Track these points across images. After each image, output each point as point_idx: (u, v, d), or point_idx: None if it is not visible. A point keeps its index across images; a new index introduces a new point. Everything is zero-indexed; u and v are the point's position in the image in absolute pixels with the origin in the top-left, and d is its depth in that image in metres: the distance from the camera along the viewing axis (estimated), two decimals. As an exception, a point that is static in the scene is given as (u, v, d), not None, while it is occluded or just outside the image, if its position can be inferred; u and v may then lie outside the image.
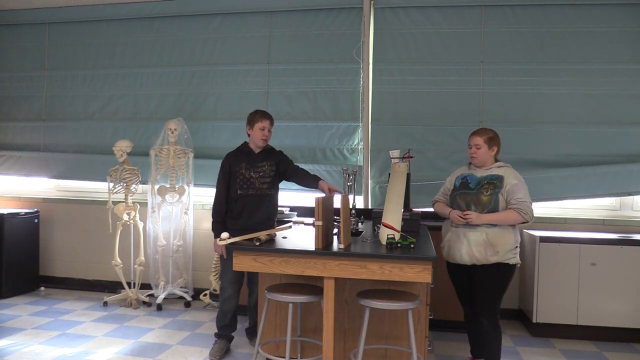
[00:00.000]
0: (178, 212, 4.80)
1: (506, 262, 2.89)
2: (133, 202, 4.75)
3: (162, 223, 4.77)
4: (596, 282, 3.89)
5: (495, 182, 2.93)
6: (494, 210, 2.89)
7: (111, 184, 4.67)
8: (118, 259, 4.68)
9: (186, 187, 4.76)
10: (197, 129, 4.97)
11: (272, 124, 3.49)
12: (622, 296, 3.86)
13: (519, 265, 2.99)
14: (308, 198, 4.76)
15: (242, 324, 3.84)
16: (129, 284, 4.77)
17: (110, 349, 3.56)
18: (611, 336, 3.90)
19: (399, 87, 4.64)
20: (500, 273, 2.90)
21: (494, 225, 2.88)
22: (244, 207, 3.41)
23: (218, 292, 4.26)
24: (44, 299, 4.91)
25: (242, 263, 2.67)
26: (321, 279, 2.60)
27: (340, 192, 3.13)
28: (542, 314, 3.95)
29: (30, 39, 5.50)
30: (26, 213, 5.11)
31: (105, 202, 4.95)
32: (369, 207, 4.64)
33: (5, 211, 4.93)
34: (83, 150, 5.31)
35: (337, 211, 2.89)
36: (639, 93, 4.31)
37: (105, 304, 4.67)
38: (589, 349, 3.75)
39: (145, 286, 4.92)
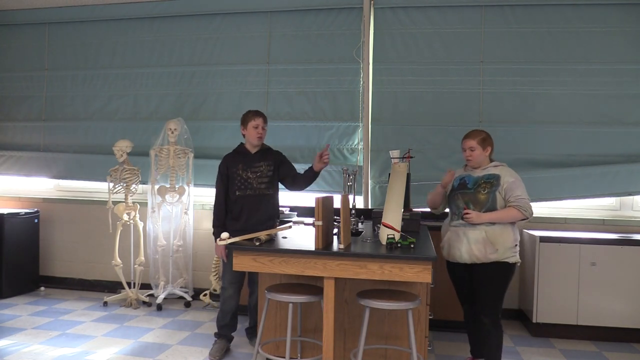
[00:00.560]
0: (178, 212, 4.80)
1: (506, 260, 2.89)
2: (133, 202, 4.75)
3: (162, 223, 4.77)
4: (596, 282, 3.89)
5: (492, 181, 2.95)
6: (492, 208, 2.90)
7: (111, 184, 4.67)
8: (118, 259, 4.68)
9: (186, 187, 4.76)
10: (197, 129, 4.97)
11: (265, 121, 3.48)
12: (622, 296, 3.86)
13: (519, 264, 2.99)
14: (308, 198, 4.76)
15: (242, 324, 3.84)
16: (129, 284, 4.77)
17: (110, 349, 3.56)
18: (611, 336, 3.90)
19: (399, 87, 4.64)
20: (500, 271, 2.90)
21: (493, 224, 2.89)
22: (243, 207, 3.42)
23: (218, 292, 4.27)
24: (44, 299, 4.91)
25: (242, 263, 2.67)
26: (321, 279, 2.60)
27: (328, 154, 3.22)
28: (542, 314, 3.95)
29: (30, 39, 5.50)
30: (26, 213, 5.11)
31: (105, 202, 4.95)
32: (369, 207, 4.64)
33: (5, 211, 4.93)
34: (83, 150, 5.31)
35: (337, 211, 2.90)
36: (639, 93, 4.31)
37: (105, 304, 4.67)
38: (589, 349, 3.75)
39: (145, 286, 4.92)
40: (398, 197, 2.82)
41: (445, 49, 4.58)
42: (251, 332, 3.70)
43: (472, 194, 2.97)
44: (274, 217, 3.54)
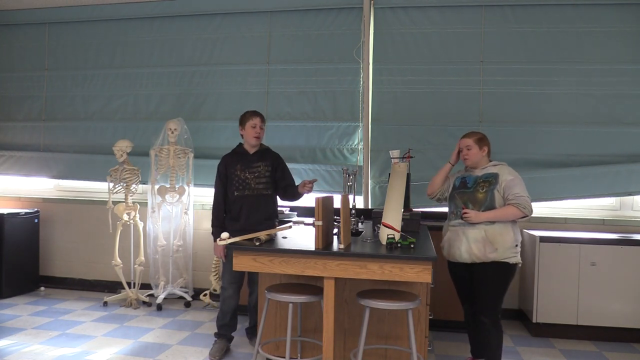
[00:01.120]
0: (178, 212, 4.80)
1: (506, 260, 2.89)
2: (133, 202, 4.75)
3: (162, 223, 4.77)
4: (596, 282, 3.89)
5: (491, 180, 2.95)
6: (491, 207, 2.90)
7: (111, 184, 4.67)
8: (118, 259, 4.68)
9: (186, 187, 4.76)
10: (197, 129, 4.97)
11: (263, 121, 3.49)
12: (622, 296, 3.86)
13: (519, 265, 2.99)
14: (308, 198, 4.74)
15: (242, 324, 3.84)
16: (129, 284, 4.77)
17: (110, 349, 3.56)
18: (611, 336, 3.90)
19: (399, 87, 4.64)
20: (500, 272, 2.90)
21: (493, 223, 2.88)
22: (241, 207, 3.42)
23: (218, 292, 4.27)
24: (44, 299, 4.91)
25: (242, 263, 2.67)
26: (321, 279, 2.60)
27: (311, 185, 3.31)
28: (542, 314, 3.95)
29: (30, 39, 5.50)
30: (26, 213, 5.11)
31: (105, 202, 4.95)
32: (369, 207, 4.64)
33: (5, 211, 4.93)
34: (83, 150, 5.31)
35: (337, 211, 2.90)
36: (639, 93, 4.31)
37: (105, 304, 4.67)
38: (589, 349, 3.75)
39: (145, 286, 4.92)
40: (398, 197, 2.83)
41: (445, 49, 4.58)
42: (251, 332, 3.70)
43: (470, 193, 2.98)
44: (273, 217, 3.54)
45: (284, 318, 3.23)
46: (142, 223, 4.80)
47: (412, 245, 2.65)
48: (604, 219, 4.44)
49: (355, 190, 3.50)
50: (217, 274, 4.48)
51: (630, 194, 4.29)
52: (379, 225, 2.96)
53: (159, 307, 4.57)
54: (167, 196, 4.71)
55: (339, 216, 2.69)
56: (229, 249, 3.07)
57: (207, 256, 4.94)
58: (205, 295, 4.66)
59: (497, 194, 2.91)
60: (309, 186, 3.32)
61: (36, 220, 5.22)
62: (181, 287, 4.87)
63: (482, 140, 3.06)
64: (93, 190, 5.42)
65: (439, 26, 4.59)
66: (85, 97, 5.35)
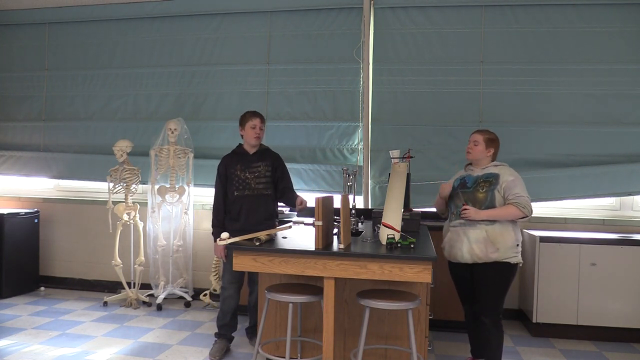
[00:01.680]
0: (178, 212, 4.80)
1: (507, 260, 2.89)
2: (133, 202, 4.75)
3: (162, 223, 4.77)
4: (596, 282, 3.89)
5: (491, 180, 2.95)
6: (491, 207, 2.90)
7: (111, 184, 4.67)
8: (118, 259, 4.68)
9: (186, 187, 4.76)
10: (197, 129, 4.97)
11: (262, 121, 3.49)
12: (622, 296, 3.86)
13: (520, 265, 2.99)
14: (308, 198, 4.74)
15: (242, 323, 3.84)
16: (129, 284, 4.77)
17: (110, 349, 3.56)
18: (611, 336, 3.90)
19: (399, 87, 4.64)
20: (501, 272, 2.90)
21: (494, 223, 2.89)
22: (241, 207, 3.42)
23: (218, 292, 4.27)
24: (44, 299, 4.91)
25: (242, 263, 2.67)
26: (321, 279, 2.60)
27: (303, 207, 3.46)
28: (542, 314, 3.95)
29: (30, 39, 5.50)
30: (26, 213, 5.11)
31: (105, 202, 4.95)
32: (369, 207, 4.64)
33: (5, 211, 4.93)
34: (83, 150, 5.31)
35: (337, 211, 2.90)
36: (639, 93, 4.31)
37: (105, 304, 4.67)
38: (589, 349, 3.75)
39: (145, 286, 4.92)
40: (398, 197, 2.82)
41: (445, 49, 4.58)
42: (251, 332, 3.70)
43: (470, 193, 2.98)
44: (273, 217, 3.55)
45: (284, 318, 3.23)
46: (142, 223, 4.80)
47: (412, 245, 2.65)
48: (604, 219, 4.44)
49: (355, 190, 3.50)
50: (217, 274, 4.48)
51: (630, 194, 4.29)
52: (379, 225, 2.96)
53: (159, 307, 4.57)
54: (167, 196, 4.71)
55: (339, 216, 2.69)
56: (229, 249, 3.07)
57: (207, 256, 4.94)
58: (205, 295, 4.66)
59: (498, 194, 2.92)
60: (299, 207, 3.45)
61: (36, 220, 5.22)
62: (181, 287, 4.87)
63: (491, 141, 3.06)
64: (93, 190, 5.42)
65: (439, 26, 4.59)
66: (85, 97, 5.35)
